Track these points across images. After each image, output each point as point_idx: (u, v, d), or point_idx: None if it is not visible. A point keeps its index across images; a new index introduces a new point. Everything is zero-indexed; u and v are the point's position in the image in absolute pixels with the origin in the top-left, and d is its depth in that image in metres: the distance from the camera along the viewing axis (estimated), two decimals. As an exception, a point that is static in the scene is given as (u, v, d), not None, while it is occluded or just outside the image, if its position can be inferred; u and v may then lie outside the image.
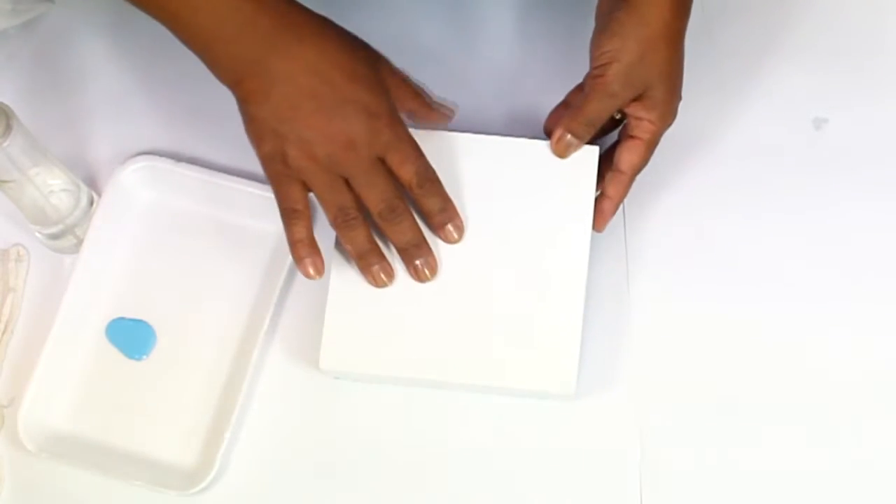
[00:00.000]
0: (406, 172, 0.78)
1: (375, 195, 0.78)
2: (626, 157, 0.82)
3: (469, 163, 0.83)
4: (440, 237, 0.82)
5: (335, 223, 0.79)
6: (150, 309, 0.89)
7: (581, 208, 0.82)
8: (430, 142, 0.81)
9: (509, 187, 0.83)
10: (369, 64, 0.77)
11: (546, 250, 0.82)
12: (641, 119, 0.80)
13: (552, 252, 0.82)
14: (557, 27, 0.93)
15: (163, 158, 0.90)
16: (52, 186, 0.86)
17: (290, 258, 0.86)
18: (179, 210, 0.90)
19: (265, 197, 0.86)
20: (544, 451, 0.84)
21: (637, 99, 0.80)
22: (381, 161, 0.77)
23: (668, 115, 0.81)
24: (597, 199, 0.83)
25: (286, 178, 0.77)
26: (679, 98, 0.81)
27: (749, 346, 0.86)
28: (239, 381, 0.84)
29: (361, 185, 0.78)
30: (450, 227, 0.82)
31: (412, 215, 0.80)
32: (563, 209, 0.82)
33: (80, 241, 0.89)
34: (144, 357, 0.88)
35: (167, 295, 0.89)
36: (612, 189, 0.82)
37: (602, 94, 0.79)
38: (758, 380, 0.85)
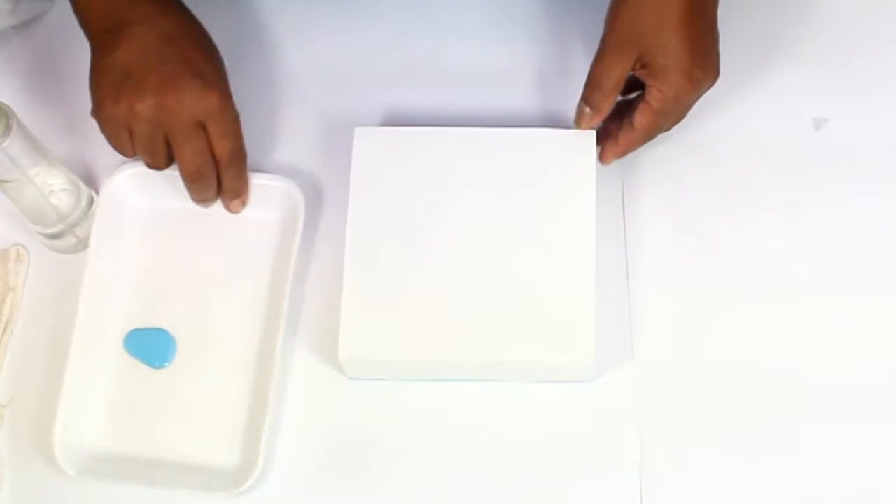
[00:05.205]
0: (221, 147, 0.83)
1: (189, 156, 0.83)
2: (638, 116, 0.84)
3: (471, 155, 0.85)
4: (227, 208, 0.88)
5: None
6: (164, 315, 0.87)
7: (584, 192, 0.84)
8: (430, 137, 0.84)
9: (512, 176, 0.85)
10: (217, 50, 0.85)
11: (553, 234, 0.83)
12: (650, 87, 0.82)
13: (560, 235, 0.83)
14: (553, 22, 0.94)
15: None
16: (52, 186, 0.86)
17: (297, 244, 0.85)
18: (179, 209, 0.89)
19: (265, 186, 0.88)
20: (543, 446, 0.84)
21: (644, 66, 0.81)
22: (203, 127, 0.82)
23: (674, 86, 0.81)
24: (607, 139, 0.86)
25: (112, 123, 0.82)
26: (689, 72, 0.81)
27: (748, 345, 0.85)
28: (267, 372, 0.83)
29: (177, 143, 0.82)
30: (237, 201, 0.88)
31: (216, 183, 0.86)
32: (567, 193, 0.84)
33: (80, 241, 0.89)
34: (167, 364, 0.86)
35: (179, 298, 0.88)
36: (621, 137, 0.85)
37: (602, 52, 0.82)
38: (757, 379, 0.85)
